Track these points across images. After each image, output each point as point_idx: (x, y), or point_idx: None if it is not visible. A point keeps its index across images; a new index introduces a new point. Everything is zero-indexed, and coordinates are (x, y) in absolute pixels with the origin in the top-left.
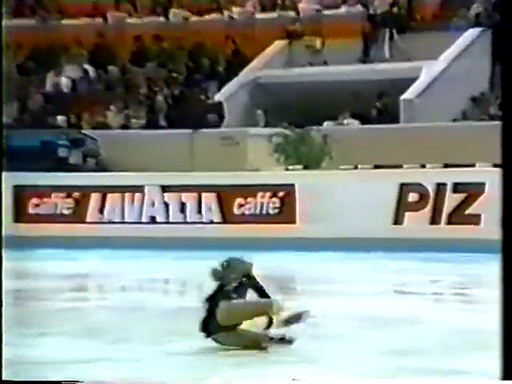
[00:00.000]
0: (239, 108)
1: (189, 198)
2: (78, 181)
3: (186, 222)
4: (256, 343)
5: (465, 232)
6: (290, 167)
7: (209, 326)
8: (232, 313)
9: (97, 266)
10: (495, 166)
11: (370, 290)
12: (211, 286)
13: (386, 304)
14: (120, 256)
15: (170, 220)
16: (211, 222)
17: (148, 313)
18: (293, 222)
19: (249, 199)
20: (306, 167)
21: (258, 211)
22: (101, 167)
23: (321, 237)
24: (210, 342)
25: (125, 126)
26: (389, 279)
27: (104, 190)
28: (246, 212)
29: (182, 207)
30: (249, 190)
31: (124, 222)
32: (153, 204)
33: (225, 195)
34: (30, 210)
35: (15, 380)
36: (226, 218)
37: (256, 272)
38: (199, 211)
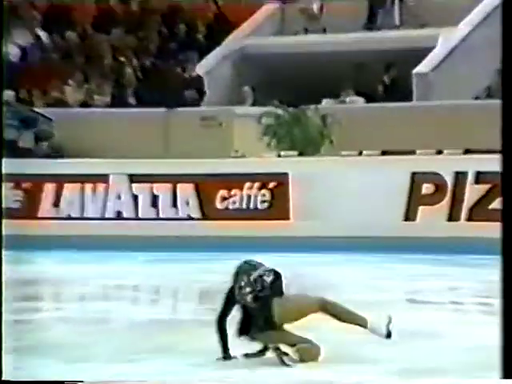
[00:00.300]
0: (222, 83)
1: (162, 190)
2: (28, 168)
3: (158, 218)
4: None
5: (488, 230)
6: (283, 153)
7: (252, 326)
8: (289, 309)
9: (52, 271)
10: None
11: (377, 298)
12: (191, 292)
13: (397, 315)
14: (80, 258)
15: (140, 216)
16: (189, 218)
17: (114, 326)
18: (286, 217)
19: (233, 191)
20: (301, 153)
21: (244, 205)
22: (56, 152)
23: (319, 235)
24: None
25: (85, 104)
26: (399, 286)
27: (60, 180)
28: (231, 206)
29: (154, 200)
30: (234, 181)
31: (84, 218)
32: (119, 196)
33: (205, 186)
34: None
35: (15, 380)
36: (207, 213)
37: None
38: (174, 205)
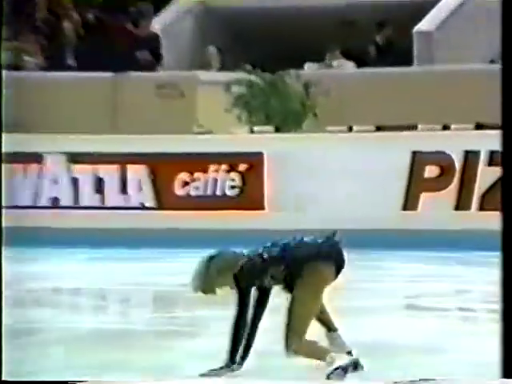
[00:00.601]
0: (183, 43)
1: (109, 173)
2: None
3: (104, 207)
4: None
5: None
6: (257, 128)
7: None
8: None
9: None
10: None
11: (372, 304)
12: (144, 297)
13: (396, 324)
14: (7, 255)
15: (81, 204)
16: (141, 208)
17: (49, 338)
18: (260, 207)
19: (196, 174)
20: (278, 129)
21: (209, 191)
22: None
23: (299, 228)
24: None
25: (13, 66)
26: (398, 289)
27: None
28: (193, 193)
29: (99, 185)
30: (197, 162)
31: (13, 207)
32: (55, 180)
33: (162, 169)
34: None
35: (15, 380)
36: (163, 201)
37: None
38: (124, 191)
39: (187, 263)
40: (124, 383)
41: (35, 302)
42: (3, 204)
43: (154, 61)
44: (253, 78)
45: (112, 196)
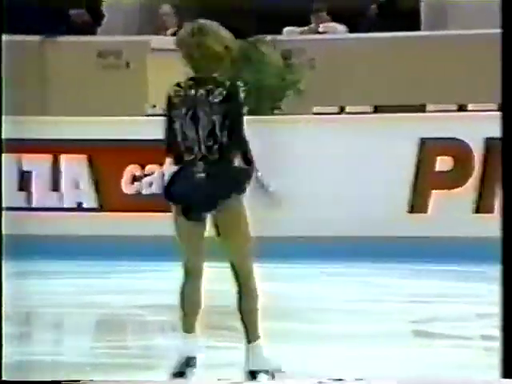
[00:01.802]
0: (130, 1)
1: (37, 164)
2: None
3: (29, 209)
4: None
5: None
6: None
7: None
8: None
9: None
10: None
11: (372, 330)
12: (82, 322)
13: (404, 355)
14: None
15: (34, 204)
16: (78, 209)
17: None
18: None
19: (149, 167)
20: (251, 110)
21: None
22: None
23: (282, 235)
24: None
25: None
26: (405, 311)
27: None
28: (144, 190)
29: (24, 180)
30: (149, 151)
31: None
32: None
33: (104, 160)
34: None
35: (15, 380)
36: (107, 200)
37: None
38: (55, 188)
39: (135, 278)
40: (123, 383)
41: None
42: None
43: (93, 22)
44: None
45: (41, 194)
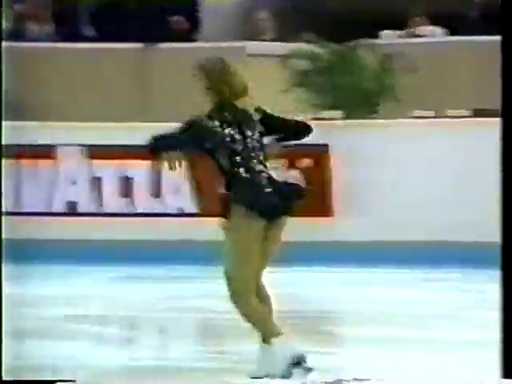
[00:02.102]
0: (227, 7)
1: (139, 170)
2: None
3: (133, 214)
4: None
5: None
6: (322, 114)
7: None
8: None
9: None
10: None
11: (477, 338)
12: (185, 326)
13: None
14: (10, 274)
15: (105, 209)
16: (181, 214)
17: (68, 377)
18: (325, 212)
19: None
20: (348, 114)
21: None
22: None
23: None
24: None
25: (15, 35)
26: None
27: None
28: None
29: (127, 186)
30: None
31: (20, 213)
32: (73, 180)
33: (205, 164)
34: None
35: (15, 380)
36: (206, 205)
37: None
38: (157, 194)
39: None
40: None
41: (47, 333)
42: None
43: (192, 28)
44: (316, 49)
45: (143, 200)
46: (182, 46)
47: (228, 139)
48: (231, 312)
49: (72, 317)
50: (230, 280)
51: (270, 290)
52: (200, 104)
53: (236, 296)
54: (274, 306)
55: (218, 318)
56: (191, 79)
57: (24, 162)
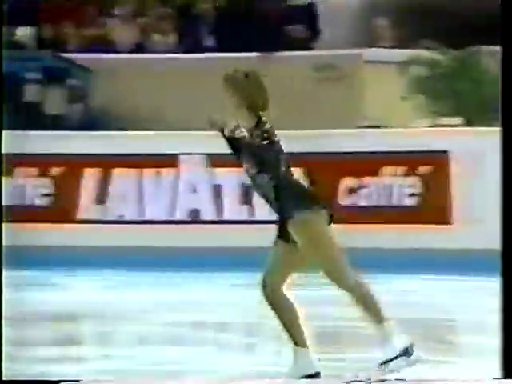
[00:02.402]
0: (345, 14)
1: (228, 177)
2: (60, 145)
3: (253, 221)
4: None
5: None
6: (442, 121)
7: None
8: None
9: (93, 300)
10: None
11: None
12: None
13: None
14: (135, 282)
15: (226, 217)
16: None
17: None
18: (444, 220)
19: (365, 179)
20: (470, 121)
21: (382, 201)
22: (96, 121)
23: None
24: None
25: (140, 47)
26: None
27: (105, 162)
28: (362, 202)
29: (247, 193)
30: (365, 163)
31: (142, 222)
32: (193, 188)
33: (320, 171)
34: None
35: (15, 380)
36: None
37: None
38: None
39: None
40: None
41: (175, 340)
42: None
43: (310, 37)
44: (436, 56)
45: (263, 207)
46: (299, 54)
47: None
48: (351, 319)
49: (197, 323)
50: (337, 280)
51: (397, 298)
52: (317, 111)
53: (349, 288)
54: (397, 314)
55: (338, 325)
56: (306, 86)
57: (146, 170)
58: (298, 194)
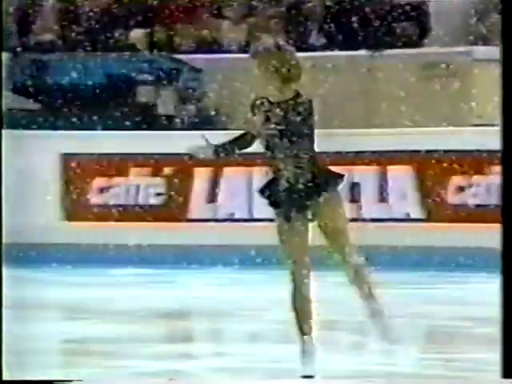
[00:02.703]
0: (456, 10)
1: (365, 176)
2: (172, 145)
3: (362, 219)
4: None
5: None
6: None
7: None
8: None
9: (206, 296)
10: None
11: None
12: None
13: None
14: (248, 279)
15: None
16: (407, 219)
17: None
18: None
19: (474, 177)
20: None
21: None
22: (208, 121)
23: None
24: None
25: (245, 47)
26: None
27: (216, 162)
28: (470, 201)
29: (355, 191)
30: (476, 161)
31: (254, 220)
32: None
33: (430, 171)
34: (93, 199)
35: (15, 380)
36: (432, 211)
37: None
38: (382, 199)
39: (464, 289)
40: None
41: (283, 337)
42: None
43: (419, 34)
44: None
45: (370, 205)
46: (408, 51)
47: None
48: (459, 319)
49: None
50: (348, 254)
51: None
52: (427, 109)
53: (356, 265)
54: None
55: (447, 324)
56: (416, 83)
57: (255, 169)
58: (327, 168)
